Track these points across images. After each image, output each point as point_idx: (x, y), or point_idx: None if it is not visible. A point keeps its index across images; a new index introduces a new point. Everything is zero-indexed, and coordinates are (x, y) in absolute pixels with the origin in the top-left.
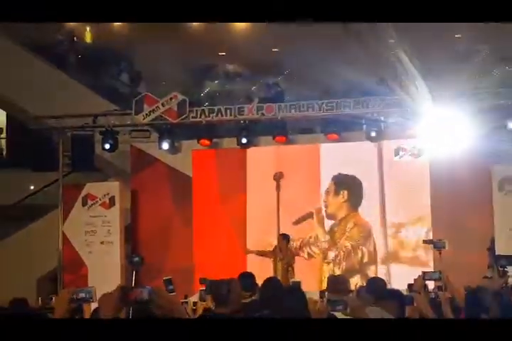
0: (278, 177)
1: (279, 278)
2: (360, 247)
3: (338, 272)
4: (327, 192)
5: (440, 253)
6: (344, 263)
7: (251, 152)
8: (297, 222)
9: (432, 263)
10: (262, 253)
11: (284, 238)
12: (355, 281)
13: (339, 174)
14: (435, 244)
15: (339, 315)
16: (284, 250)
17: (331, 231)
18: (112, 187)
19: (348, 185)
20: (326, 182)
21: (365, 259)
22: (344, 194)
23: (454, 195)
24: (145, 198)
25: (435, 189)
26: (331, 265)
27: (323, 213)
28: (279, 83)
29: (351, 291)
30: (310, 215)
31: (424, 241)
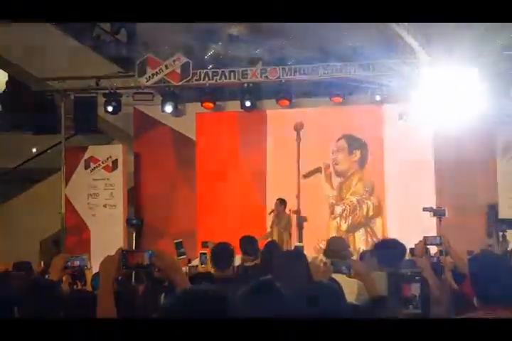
0: (298, 127)
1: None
2: (365, 201)
3: (344, 226)
4: (339, 150)
5: (440, 220)
6: (350, 218)
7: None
8: (306, 176)
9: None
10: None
11: (282, 203)
12: (361, 235)
13: (351, 135)
14: (435, 212)
15: (343, 279)
16: (281, 214)
17: (338, 187)
18: (115, 149)
19: (360, 146)
20: (331, 142)
21: (371, 213)
22: (357, 153)
23: (458, 161)
24: (148, 161)
25: (438, 155)
26: (338, 220)
27: (332, 169)
28: (283, 47)
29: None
30: (318, 170)
31: (425, 209)
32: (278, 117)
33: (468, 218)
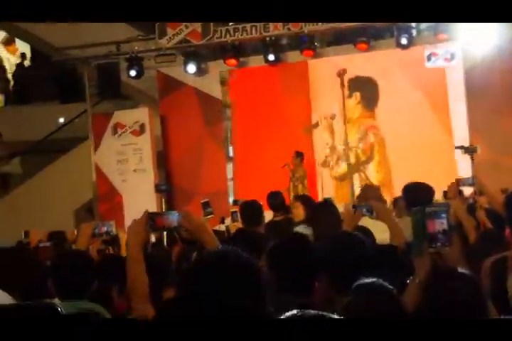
0: (341, 73)
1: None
2: (354, 149)
3: (334, 175)
4: (343, 97)
5: (472, 158)
6: (337, 167)
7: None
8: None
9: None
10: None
11: (298, 155)
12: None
13: (354, 76)
14: (466, 149)
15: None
16: (296, 167)
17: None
18: (141, 113)
19: (360, 87)
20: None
21: (362, 159)
22: (356, 96)
23: (490, 99)
24: (175, 123)
25: (470, 94)
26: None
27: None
28: None
29: (383, 199)
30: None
31: (457, 147)
32: (318, 66)
33: (502, 157)
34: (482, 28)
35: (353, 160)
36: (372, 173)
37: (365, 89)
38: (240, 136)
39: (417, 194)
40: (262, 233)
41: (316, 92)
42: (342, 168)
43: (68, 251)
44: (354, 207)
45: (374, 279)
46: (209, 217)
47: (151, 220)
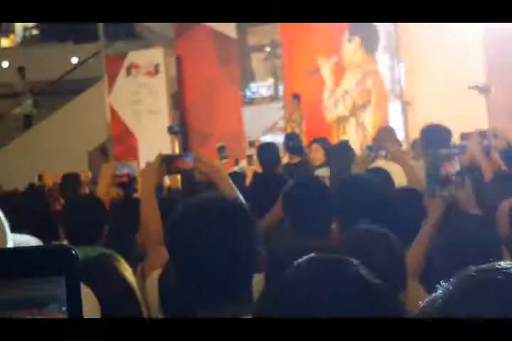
0: None
1: None
2: (351, 93)
3: (331, 118)
4: (343, 41)
5: (487, 98)
6: (334, 110)
7: None
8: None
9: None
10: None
11: (295, 97)
12: (350, 126)
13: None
14: (480, 89)
15: (383, 165)
16: (294, 110)
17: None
18: (156, 54)
19: (359, 31)
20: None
21: (359, 103)
22: (355, 40)
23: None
24: (190, 63)
25: (487, 31)
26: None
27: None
28: None
29: (398, 141)
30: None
31: (470, 87)
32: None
33: None
34: None
35: (349, 104)
36: (368, 117)
37: (365, 34)
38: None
39: (434, 136)
40: (281, 175)
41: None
42: (339, 111)
43: (78, 196)
44: (369, 148)
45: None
46: (224, 161)
47: (165, 163)
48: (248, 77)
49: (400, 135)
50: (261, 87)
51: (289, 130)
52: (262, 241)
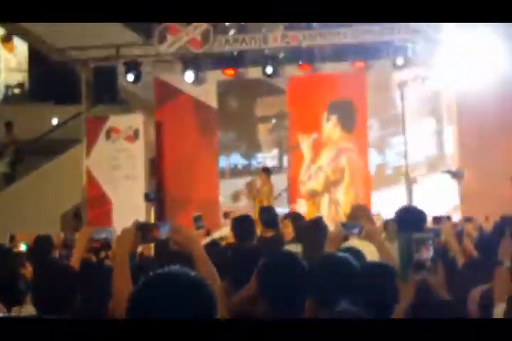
0: (402, 84)
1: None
2: (324, 169)
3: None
4: (322, 120)
5: (459, 182)
6: (308, 184)
7: None
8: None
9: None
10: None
11: (265, 171)
12: (323, 201)
13: (335, 100)
14: (453, 174)
15: (355, 243)
16: (264, 183)
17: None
18: (136, 119)
19: (337, 110)
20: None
21: (332, 179)
22: (333, 119)
23: (480, 124)
24: (170, 130)
25: (460, 117)
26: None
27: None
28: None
29: (373, 220)
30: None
31: (443, 171)
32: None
33: (493, 182)
34: (477, 53)
35: (322, 180)
36: (341, 195)
37: (343, 113)
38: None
39: (409, 218)
40: (254, 248)
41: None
42: (312, 186)
43: (49, 264)
44: (343, 225)
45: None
46: (200, 231)
47: (141, 230)
48: (254, 147)
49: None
50: (266, 158)
51: (256, 202)
52: (216, 314)
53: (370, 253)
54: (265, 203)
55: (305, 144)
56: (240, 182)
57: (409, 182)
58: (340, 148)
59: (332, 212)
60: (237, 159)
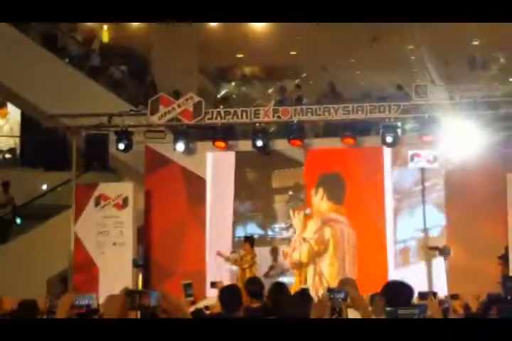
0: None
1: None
2: (307, 240)
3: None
4: (312, 193)
5: (446, 259)
6: (293, 255)
7: None
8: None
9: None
10: (225, 258)
11: (247, 240)
12: (309, 272)
13: (324, 173)
14: (440, 251)
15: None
16: (247, 252)
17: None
18: (126, 187)
19: (324, 183)
20: None
21: (315, 249)
22: (320, 191)
23: (468, 203)
24: (159, 199)
25: (449, 196)
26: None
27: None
28: (300, 85)
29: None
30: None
31: (430, 248)
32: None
33: (476, 260)
34: (463, 134)
35: (305, 251)
36: (326, 266)
37: (330, 186)
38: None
39: (396, 293)
40: (240, 319)
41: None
42: (296, 257)
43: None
44: (329, 291)
45: None
46: (189, 299)
47: (130, 297)
48: (270, 217)
49: None
50: (283, 228)
51: (240, 272)
52: None
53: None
54: (247, 272)
55: (296, 219)
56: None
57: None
58: (325, 219)
59: (316, 283)
60: (253, 229)
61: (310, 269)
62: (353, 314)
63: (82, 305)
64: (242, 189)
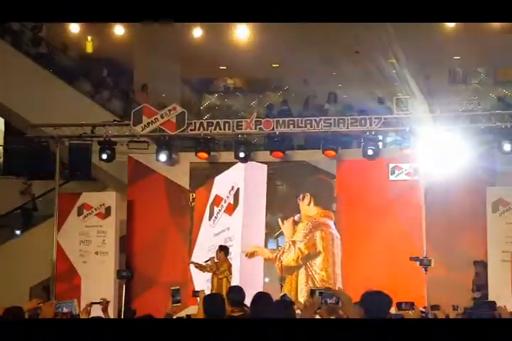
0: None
1: (214, 290)
2: (297, 244)
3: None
4: (299, 199)
5: (426, 270)
6: (283, 259)
7: None
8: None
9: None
10: (200, 267)
11: (222, 249)
12: (300, 276)
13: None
14: (421, 261)
15: None
16: (221, 261)
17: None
18: (108, 197)
19: (311, 188)
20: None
21: (305, 253)
22: (307, 197)
23: (448, 216)
24: (141, 209)
25: (429, 209)
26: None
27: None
28: (286, 101)
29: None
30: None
31: (411, 259)
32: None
33: (455, 272)
34: (444, 147)
35: (294, 254)
36: (317, 270)
37: (318, 191)
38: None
39: (374, 303)
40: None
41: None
42: (286, 261)
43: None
44: (320, 293)
45: None
46: (176, 305)
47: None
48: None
49: None
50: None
51: (215, 280)
52: None
53: None
54: (224, 281)
55: (285, 226)
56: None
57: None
58: (314, 223)
59: (309, 286)
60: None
61: (302, 273)
62: None
63: (66, 312)
64: (273, 201)
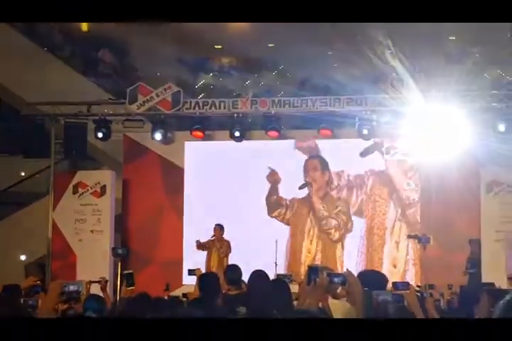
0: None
1: (214, 268)
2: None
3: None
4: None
5: (425, 248)
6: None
7: None
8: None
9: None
10: (201, 245)
11: (221, 228)
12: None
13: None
14: (420, 239)
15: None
16: (219, 240)
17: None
18: (104, 175)
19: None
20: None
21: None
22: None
23: (443, 196)
24: (136, 188)
25: (424, 188)
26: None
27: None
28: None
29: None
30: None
31: (409, 236)
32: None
33: (450, 253)
34: (438, 127)
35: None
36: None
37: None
38: None
39: (370, 279)
40: (218, 306)
41: None
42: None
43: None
44: (329, 275)
45: None
46: (130, 288)
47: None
48: None
49: None
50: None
51: (214, 257)
52: None
53: (342, 314)
54: (225, 260)
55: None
56: None
57: None
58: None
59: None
60: None
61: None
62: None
63: (72, 291)
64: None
